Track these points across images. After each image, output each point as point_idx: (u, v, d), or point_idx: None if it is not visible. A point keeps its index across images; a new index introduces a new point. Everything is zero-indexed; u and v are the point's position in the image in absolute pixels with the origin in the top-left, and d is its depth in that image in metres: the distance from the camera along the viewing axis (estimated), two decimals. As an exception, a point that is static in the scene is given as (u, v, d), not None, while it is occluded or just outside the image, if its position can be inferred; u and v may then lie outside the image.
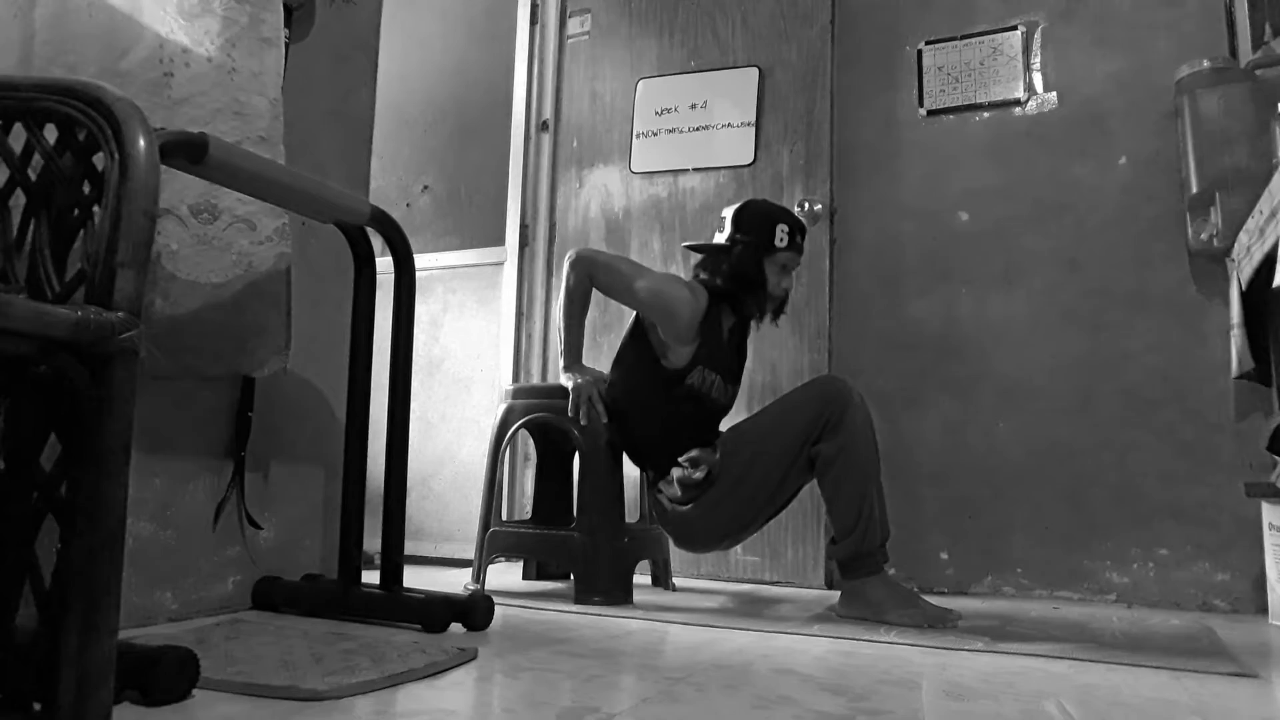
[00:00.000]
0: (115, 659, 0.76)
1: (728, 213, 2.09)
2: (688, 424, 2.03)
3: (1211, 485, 2.32)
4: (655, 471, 2.05)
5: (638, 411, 2.04)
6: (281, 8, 1.78)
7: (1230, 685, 1.30)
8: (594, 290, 2.10)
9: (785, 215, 2.06)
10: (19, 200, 0.95)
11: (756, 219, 2.04)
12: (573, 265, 2.08)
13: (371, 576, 1.71)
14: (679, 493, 1.98)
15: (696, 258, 2.13)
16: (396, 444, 1.70)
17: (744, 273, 2.02)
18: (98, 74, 1.46)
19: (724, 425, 2.11)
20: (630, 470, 2.15)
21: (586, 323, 2.18)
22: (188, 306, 1.57)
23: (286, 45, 1.82)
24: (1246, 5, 2.39)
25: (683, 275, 2.18)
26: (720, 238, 2.08)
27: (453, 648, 1.36)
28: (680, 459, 1.98)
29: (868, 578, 1.88)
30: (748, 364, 2.23)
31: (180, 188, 1.56)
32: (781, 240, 2.01)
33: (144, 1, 1.53)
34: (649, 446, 2.05)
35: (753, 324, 2.15)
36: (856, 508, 1.88)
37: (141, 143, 0.84)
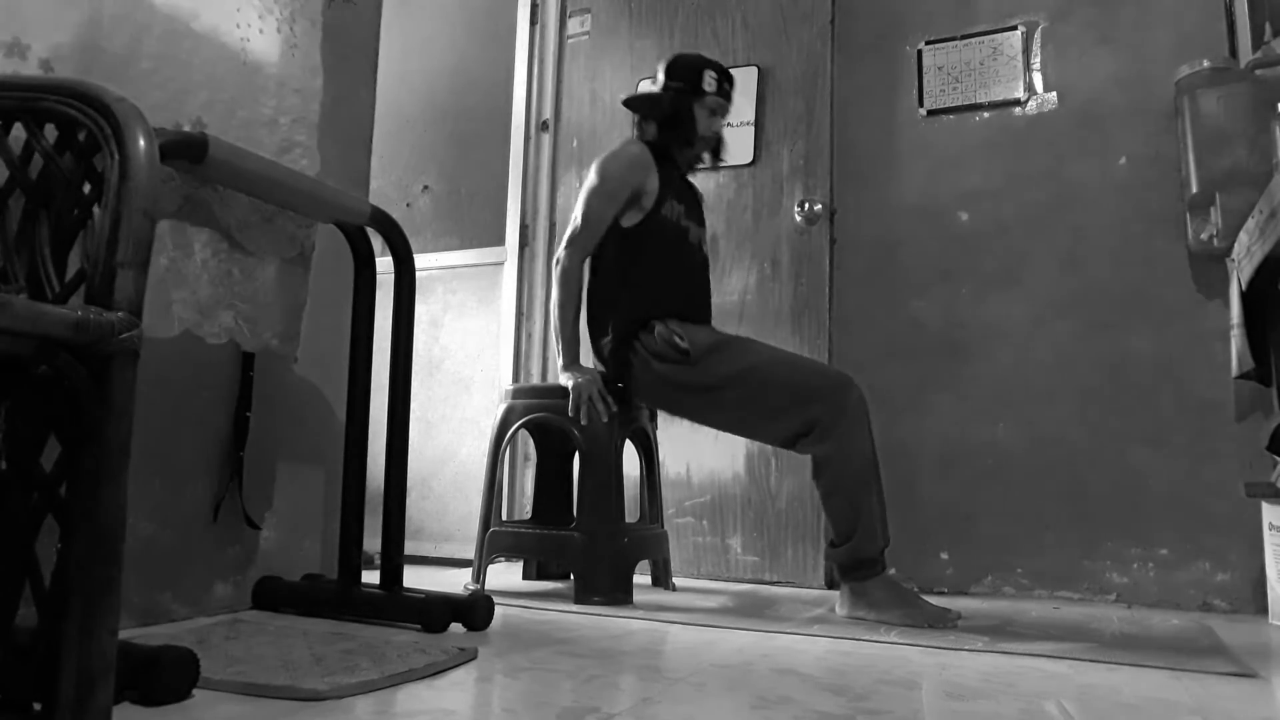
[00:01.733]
0: (115, 659, 0.76)
1: (660, 65, 2.22)
2: (672, 273, 2.10)
3: (1211, 485, 2.32)
4: (637, 326, 2.07)
5: (618, 283, 2.10)
6: None
7: (1230, 685, 1.30)
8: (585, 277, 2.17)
9: (713, 63, 2.20)
10: (19, 200, 0.95)
11: (686, 67, 2.18)
12: (557, 261, 2.15)
13: (371, 576, 1.71)
14: (657, 346, 2.02)
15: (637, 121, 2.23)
16: (396, 444, 1.70)
17: (675, 116, 2.15)
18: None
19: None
20: (630, 470, 2.15)
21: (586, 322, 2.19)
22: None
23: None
24: (1246, 5, 2.39)
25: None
26: (654, 89, 2.21)
27: (453, 648, 1.36)
28: (670, 322, 2.04)
29: (868, 579, 1.88)
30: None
31: None
32: (710, 85, 2.16)
33: None
34: (633, 306, 2.07)
35: (693, 178, 2.28)
36: (853, 515, 1.88)
37: (141, 143, 0.84)
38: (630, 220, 2.11)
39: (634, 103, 2.23)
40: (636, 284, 2.09)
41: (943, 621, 1.78)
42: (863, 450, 1.90)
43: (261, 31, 1.61)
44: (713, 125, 2.19)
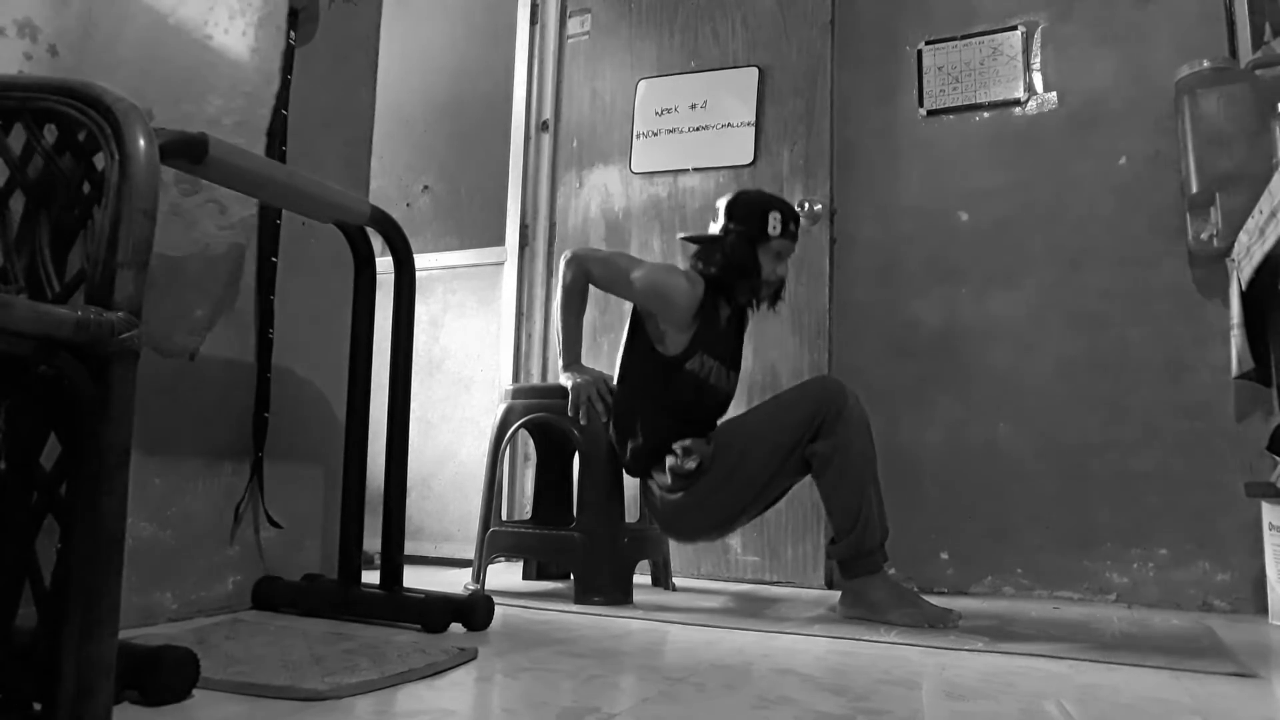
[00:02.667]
0: (115, 659, 0.76)
1: (721, 203, 2.10)
2: (689, 413, 2.03)
3: (1211, 485, 2.32)
4: (650, 460, 2.03)
5: (640, 399, 2.04)
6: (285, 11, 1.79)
7: (1230, 685, 1.30)
8: (590, 288, 2.12)
9: (778, 203, 2.07)
10: (19, 200, 0.95)
11: (749, 208, 2.05)
12: (568, 263, 2.10)
13: (371, 576, 1.71)
14: (669, 480, 1.98)
15: (693, 249, 2.13)
16: (396, 444, 1.70)
17: (738, 261, 2.02)
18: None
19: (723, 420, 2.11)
20: (630, 470, 2.14)
21: (586, 323, 2.18)
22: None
23: (291, 47, 1.83)
24: (1246, 5, 2.39)
25: (682, 267, 2.18)
26: (714, 228, 2.08)
27: (453, 648, 1.36)
28: (674, 445, 1.97)
29: (868, 577, 1.88)
30: (747, 363, 2.23)
31: None
32: (774, 228, 2.02)
33: None
34: (649, 434, 2.02)
35: (750, 312, 2.16)
36: (855, 507, 1.88)
37: (141, 143, 0.84)
38: (641, 341, 2.04)
39: (696, 243, 2.10)
40: (654, 413, 2.01)
41: (944, 621, 1.78)
42: (864, 442, 1.90)
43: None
44: (778, 269, 2.05)
